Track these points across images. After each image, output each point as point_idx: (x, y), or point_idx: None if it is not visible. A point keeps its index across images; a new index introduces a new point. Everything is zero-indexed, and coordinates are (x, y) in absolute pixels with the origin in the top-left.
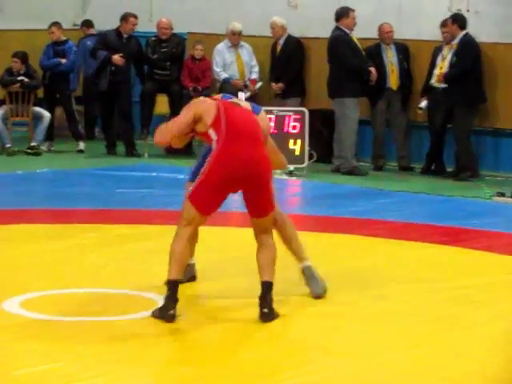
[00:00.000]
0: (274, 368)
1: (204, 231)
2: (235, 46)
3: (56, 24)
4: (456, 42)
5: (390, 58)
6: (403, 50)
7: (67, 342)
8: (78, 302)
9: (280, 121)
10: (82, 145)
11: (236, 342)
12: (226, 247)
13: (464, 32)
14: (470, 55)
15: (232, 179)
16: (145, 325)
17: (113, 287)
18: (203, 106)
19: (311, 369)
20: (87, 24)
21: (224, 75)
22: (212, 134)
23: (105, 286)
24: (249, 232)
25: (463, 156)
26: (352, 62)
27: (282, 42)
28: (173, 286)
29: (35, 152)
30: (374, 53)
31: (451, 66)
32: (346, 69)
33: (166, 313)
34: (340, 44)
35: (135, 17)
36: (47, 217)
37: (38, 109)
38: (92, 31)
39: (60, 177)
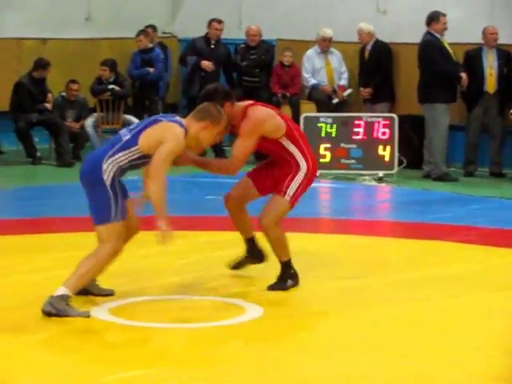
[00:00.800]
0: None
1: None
2: (325, 52)
3: (143, 32)
4: None
5: (491, 62)
6: (504, 55)
7: (158, 348)
8: (167, 308)
9: (369, 127)
10: None
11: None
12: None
13: None
14: None
15: None
16: (233, 331)
17: (201, 294)
18: (270, 124)
19: None
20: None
21: (313, 81)
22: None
23: (193, 292)
24: None
25: None
26: (443, 67)
27: (369, 47)
28: (290, 263)
29: None
30: (474, 56)
31: None
32: (437, 74)
33: (296, 281)
34: (431, 49)
35: (219, 22)
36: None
37: (128, 116)
38: None
39: None
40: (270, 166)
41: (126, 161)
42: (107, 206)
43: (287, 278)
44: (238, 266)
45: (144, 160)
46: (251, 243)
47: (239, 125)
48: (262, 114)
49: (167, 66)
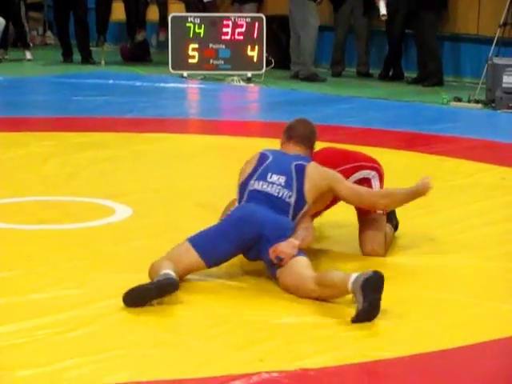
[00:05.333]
0: None
1: None
2: None
3: None
4: None
5: None
6: None
7: (23, 249)
8: (33, 210)
9: (238, 27)
10: (28, 54)
11: None
12: None
13: None
14: None
15: None
16: (103, 232)
17: (69, 195)
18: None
19: None
20: None
21: None
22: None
23: (61, 193)
24: None
25: (431, 62)
26: None
27: None
28: None
29: None
30: None
31: None
32: None
33: None
34: None
35: None
36: (2, 125)
37: None
38: None
39: (15, 85)
40: None
41: None
42: None
43: None
44: None
45: None
46: None
47: None
48: None
49: None
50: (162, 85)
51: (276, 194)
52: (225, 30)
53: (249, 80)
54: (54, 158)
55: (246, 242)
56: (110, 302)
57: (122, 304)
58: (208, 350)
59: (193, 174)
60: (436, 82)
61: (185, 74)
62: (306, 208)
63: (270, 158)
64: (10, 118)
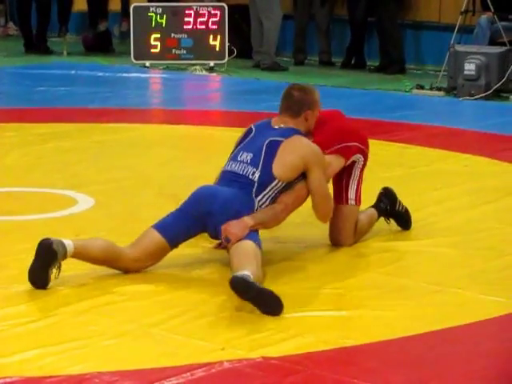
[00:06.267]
0: None
1: None
2: None
3: None
4: None
5: None
6: None
7: None
8: None
9: (200, 16)
10: None
11: None
12: None
13: None
14: None
15: None
16: (64, 223)
17: (31, 186)
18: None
19: None
20: None
21: None
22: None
23: (23, 184)
24: None
25: (393, 50)
26: None
27: None
28: None
29: None
30: None
31: None
32: None
33: None
34: None
35: None
36: None
37: None
38: None
39: None
40: None
41: None
42: None
43: None
44: None
45: None
46: None
47: None
48: None
49: None
50: (124, 75)
51: (240, 172)
52: (187, 19)
53: (211, 69)
54: (16, 148)
55: (198, 218)
56: (71, 293)
57: (83, 294)
58: (169, 339)
59: (155, 163)
60: (398, 69)
61: (147, 63)
62: (275, 184)
63: (252, 134)
64: None
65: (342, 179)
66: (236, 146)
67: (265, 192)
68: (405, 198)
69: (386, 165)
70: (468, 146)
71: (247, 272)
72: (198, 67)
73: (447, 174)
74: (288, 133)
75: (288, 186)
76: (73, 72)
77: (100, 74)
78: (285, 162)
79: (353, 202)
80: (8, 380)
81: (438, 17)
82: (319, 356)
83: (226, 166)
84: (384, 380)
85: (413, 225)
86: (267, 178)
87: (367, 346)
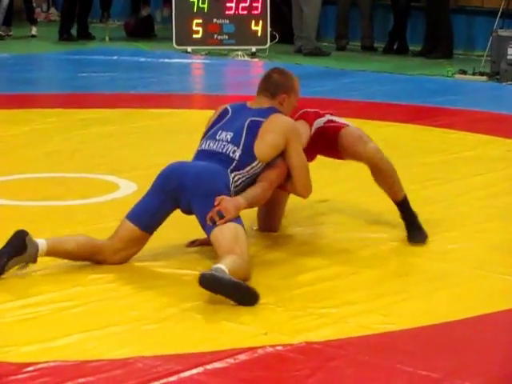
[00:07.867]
0: None
1: None
2: None
3: None
4: None
5: None
6: None
7: (27, 226)
8: (37, 186)
9: (242, 1)
10: (34, 29)
11: None
12: None
13: None
14: None
15: None
16: (107, 208)
17: (74, 171)
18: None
19: None
20: None
21: None
22: None
23: (66, 170)
24: None
25: (442, 34)
26: None
27: None
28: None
29: None
30: None
31: None
32: None
33: None
34: None
35: None
36: (8, 102)
37: None
38: None
39: (20, 62)
40: None
41: None
42: None
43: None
44: None
45: None
46: None
47: None
48: None
49: None
50: (166, 60)
51: (219, 150)
52: (229, 4)
53: (253, 55)
54: (59, 134)
55: (170, 193)
56: (113, 278)
57: (124, 280)
58: (212, 324)
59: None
60: (446, 54)
61: (189, 49)
62: (255, 165)
63: (229, 115)
64: (15, 94)
65: None
66: (210, 127)
67: (243, 171)
68: (447, 184)
69: (428, 150)
70: (511, 130)
71: (222, 265)
72: (239, 53)
73: (490, 160)
74: (267, 112)
75: (266, 167)
76: (115, 58)
77: (142, 59)
78: (266, 142)
79: (283, 191)
80: (52, 364)
81: (482, 1)
82: (361, 341)
83: (201, 146)
84: (427, 365)
85: (453, 210)
86: (248, 157)
87: (409, 330)
